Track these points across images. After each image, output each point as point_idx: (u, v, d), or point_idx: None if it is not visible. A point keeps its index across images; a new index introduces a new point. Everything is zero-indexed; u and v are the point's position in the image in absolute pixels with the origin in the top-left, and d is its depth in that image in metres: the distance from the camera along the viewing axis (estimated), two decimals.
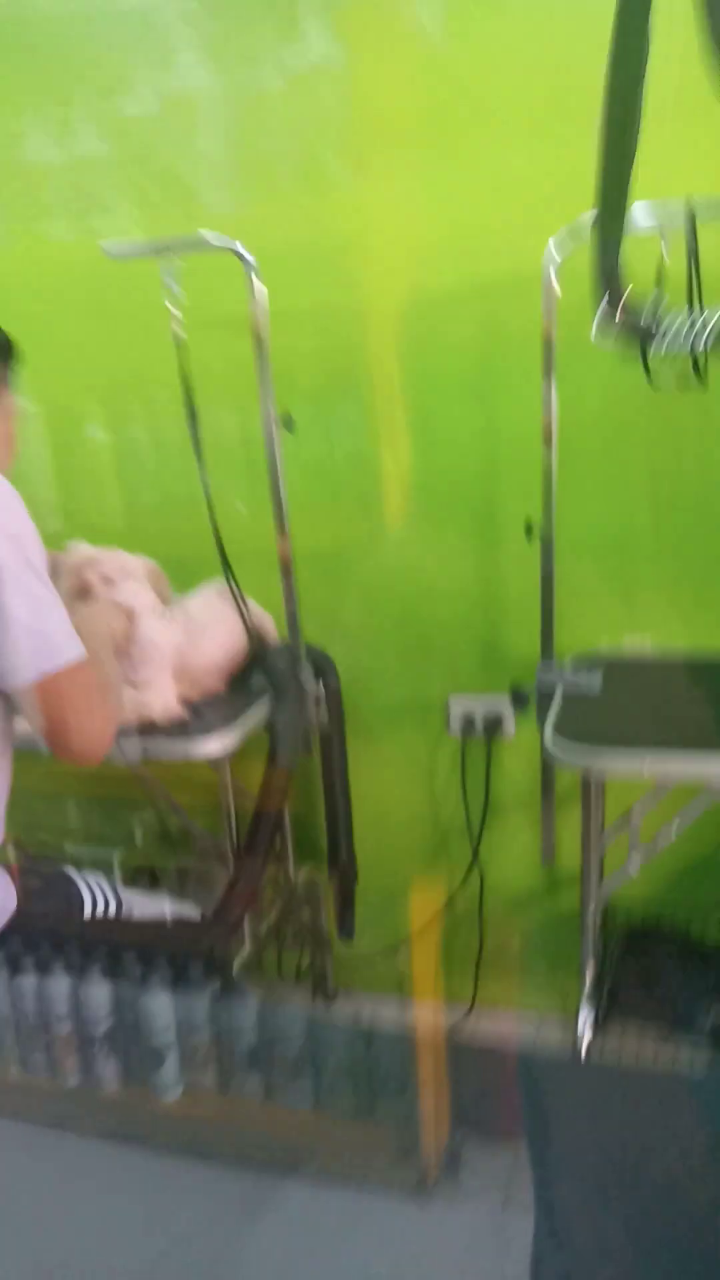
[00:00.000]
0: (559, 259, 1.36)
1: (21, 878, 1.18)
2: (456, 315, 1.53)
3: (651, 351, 0.35)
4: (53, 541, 1.57)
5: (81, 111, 1.62)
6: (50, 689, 1.08)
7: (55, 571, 1.53)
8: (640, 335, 0.35)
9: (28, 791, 2.15)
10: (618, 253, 0.37)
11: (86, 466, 1.83)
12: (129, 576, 1.55)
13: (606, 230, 0.36)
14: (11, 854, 2.10)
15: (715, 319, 0.33)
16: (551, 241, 1.36)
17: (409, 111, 1.11)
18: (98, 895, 1.28)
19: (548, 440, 1.45)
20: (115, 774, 1.74)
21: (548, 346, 1.41)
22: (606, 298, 0.37)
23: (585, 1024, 1.55)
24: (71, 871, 1.29)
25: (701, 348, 0.35)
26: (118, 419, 1.77)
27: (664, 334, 0.34)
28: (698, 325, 0.34)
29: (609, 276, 0.37)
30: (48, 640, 1.07)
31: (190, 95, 1.55)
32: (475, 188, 1.46)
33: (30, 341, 1.21)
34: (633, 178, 0.36)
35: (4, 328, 1.24)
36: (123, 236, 1.45)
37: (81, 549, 1.55)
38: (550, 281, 1.38)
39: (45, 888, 1.24)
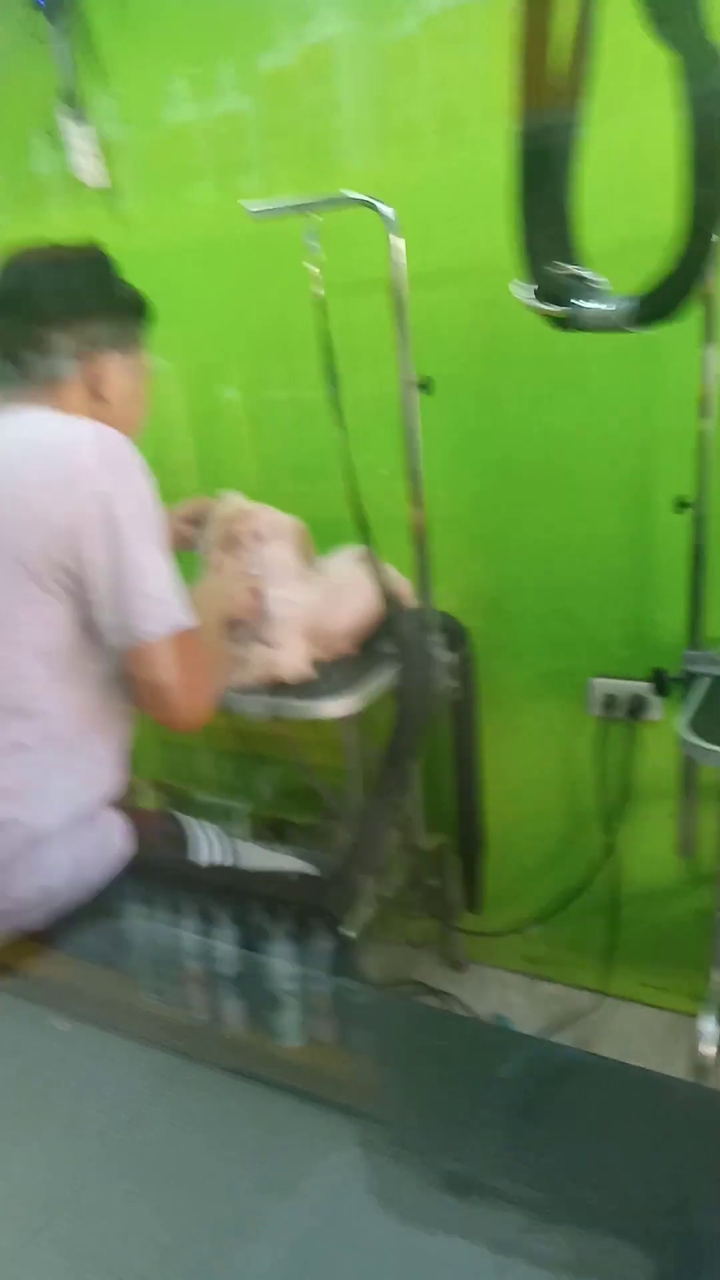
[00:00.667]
0: None
1: (139, 823, 1.24)
2: (613, 273, 1.42)
3: (572, 328, 0.31)
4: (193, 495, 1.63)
5: (220, 69, 1.62)
6: (150, 655, 1.11)
7: (205, 519, 1.58)
8: (557, 320, 0.31)
9: (163, 739, 2.28)
10: (537, 229, 0.32)
11: (226, 427, 1.87)
12: (279, 535, 1.58)
13: (528, 212, 0.31)
14: (153, 797, 2.24)
15: (619, 306, 0.28)
16: None
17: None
18: (214, 844, 1.33)
19: (705, 409, 1.33)
20: (250, 729, 1.79)
21: (708, 304, 1.28)
22: (530, 276, 0.33)
23: (708, 1034, 1.46)
24: (189, 819, 1.34)
25: (602, 329, 0.30)
26: (259, 380, 1.79)
27: (579, 316, 0.29)
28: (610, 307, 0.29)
29: (530, 253, 0.32)
30: (156, 605, 1.10)
31: (328, 48, 1.52)
32: (637, 136, 1.34)
33: (174, 301, 1.24)
34: (560, 149, 0.31)
35: (147, 290, 1.28)
36: (264, 196, 1.44)
37: (235, 500, 1.59)
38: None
39: (163, 835, 1.28)
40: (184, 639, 1.13)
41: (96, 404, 1.22)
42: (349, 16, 1.48)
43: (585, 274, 0.30)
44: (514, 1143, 0.66)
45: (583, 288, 0.30)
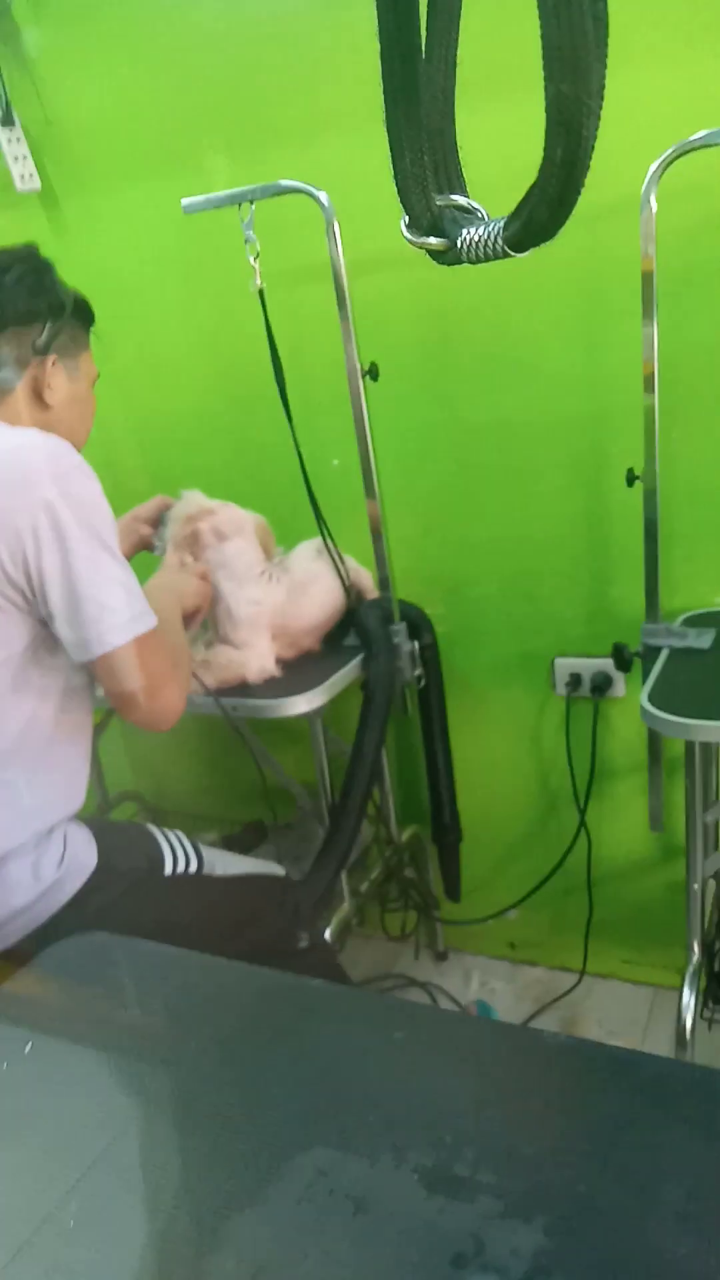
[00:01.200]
0: (658, 182, 1.24)
1: (102, 835, 1.22)
2: (555, 249, 1.43)
3: (451, 261, 0.30)
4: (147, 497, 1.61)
5: (154, 66, 1.61)
6: (117, 662, 1.09)
7: (167, 518, 1.57)
8: (435, 253, 0.30)
9: (132, 749, 2.26)
10: (408, 160, 0.31)
11: (177, 426, 1.85)
12: (240, 531, 1.57)
13: (394, 132, 0.30)
14: (123, 808, 2.21)
15: (494, 229, 0.27)
16: (653, 166, 1.24)
17: (494, 46, 1.02)
18: (179, 853, 1.30)
19: (649, 384, 1.34)
20: (218, 730, 1.78)
21: (647, 282, 1.29)
22: (405, 207, 0.32)
23: (688, 1007, 1.47)
24: (154, 828, 1.31)
25: (482, 258, 0.29)
26: (207, 376, 1.78)
27: (457, 246, 0.29)
28: (484, 236, 0.28)
29: (401, 188, 0.31)
30: (112, 614, 1.07)
31: (258, 37, 1.51)
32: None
33: (115, 302, 1.22)
34: (424, 72, 0.30)
35: (85, 291, 1.26)
36: (201, 191, 1.43)
37: (195, 498, 1.58)
38: (649, 210, 1.26)
39: (126, 845, 1.26)
40: (144, 642, 1.11)
41: (40, 410, 1.20)
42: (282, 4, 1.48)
43: (462, 202, 0.29)
44: (488, 1132, 0.66)
45: (460, 215, 0.29)
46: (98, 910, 1.16)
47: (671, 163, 1.23)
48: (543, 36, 0.27)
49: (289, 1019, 0.80)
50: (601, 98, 0.29)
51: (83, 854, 1.18)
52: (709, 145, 1.20)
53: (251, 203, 1.38)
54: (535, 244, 0.32)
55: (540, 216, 0.30)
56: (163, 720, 1.17)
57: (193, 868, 1.30)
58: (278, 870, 1.47)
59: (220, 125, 1.59)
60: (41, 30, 1.66)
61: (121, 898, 1.20)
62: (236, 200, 1.39)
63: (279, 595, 1.59)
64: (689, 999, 1.48)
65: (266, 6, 1.48)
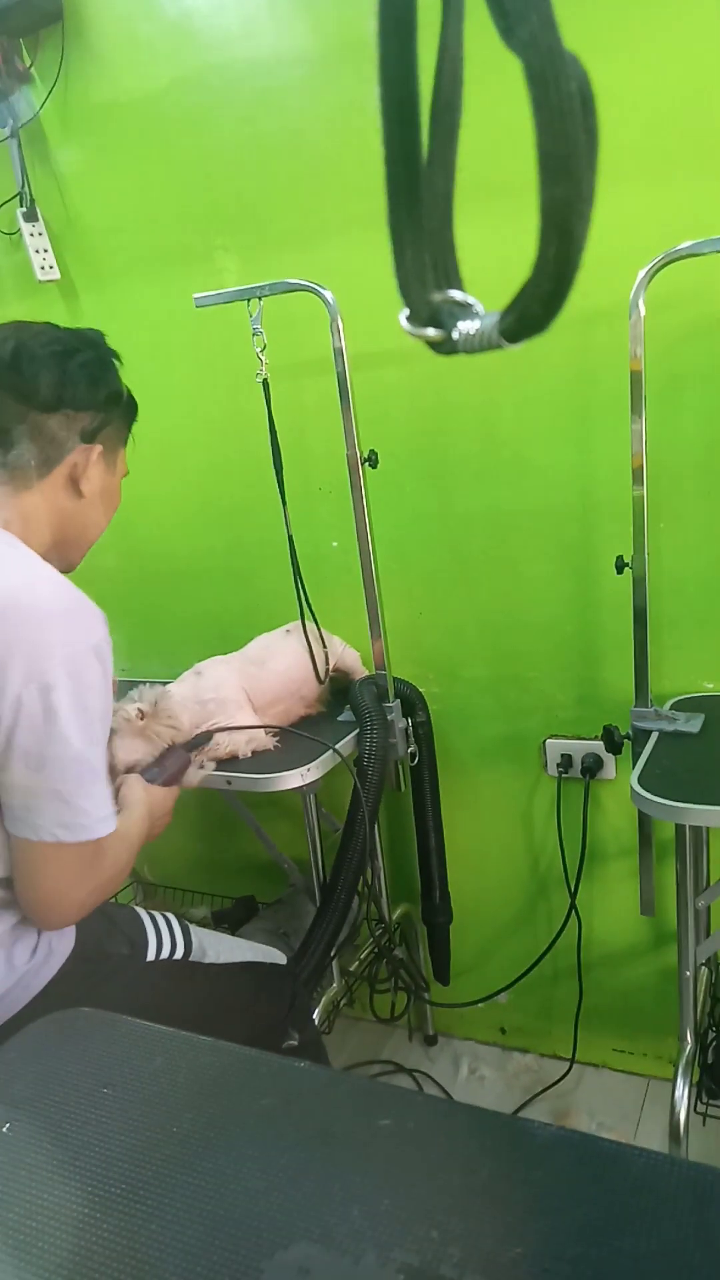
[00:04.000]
0: (646, 287, 1.31)
1: (82, 919, 1.19)
2: (546, 349, 1.50)
3: (448, 351, 0.33)
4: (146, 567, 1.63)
5: (170, 169, 1.70)
6: (40, 855, 1.01)
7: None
8: (433, 345, 0.33)
9: None
10: (409, 258, 0.34)
11: (182, 506, 1.90)
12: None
13: (396, 232, 0.34)
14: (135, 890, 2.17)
15: (489, 322, 0.30)
16: (641, 272, 1.31)
17: (492, 156, 1.10)
18: (164, 937, 1.27)
19: (638, 477, 1.39)
20: (211, 803, 1.78)
21: (635, 381, 1.35)
22: (404, 301, 0.35)
23: (681, 1100, 1.44)
24: (141, 911, 1.29)
25: (477, 349, 0.32)
26: (215, 461, 1.83)
27: (454, 338, 0.31)
28: (478, 330, 0.31)
29: (402, 284, 0.34)
30: (70, 814, 1.00)
31: (269, 142, 1.60)
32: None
33: (135, 386, 1.25)
34: (425, 177, 0.33)
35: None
36: (213, 286, 1.51)
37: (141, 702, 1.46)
38: (638, 314, 1.33)
39: (107, 929, 1.22)
40: (83, 850, 1.02)
41: (72, 498, 1.16)
42: (290, 112, 1.57)
43: (459, 296, 0.32)
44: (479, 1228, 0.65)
45: (457, 309, 0.32)
46: (74, 996, 1.10)
47: (659, 270, 1.30)
48: (538, 145, 0.30)
49: (274, 1103, 0.79)
50: (591, 202, 0.32)
51: (58, 940, 1.15)
52: (694, 254, 1.28)
53: (260, 299, 1.45)
54: (528, 336, 0.35)
55: (534, 311, 0.33)
56: (46, 924, 1.09)
57: (179, 953, 1.27)
58: (278, 958, 1.44)
59: (231, 225, 1.68)
60: (65, 134, 1.77)
61: (100, 982, 1.16)
62: (246, 296, 1.46)
63: (239, 671, 1.60)
64: (682, 1091, 1.46)
65: (276, 119, 1.58)
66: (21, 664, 0.96)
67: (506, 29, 0.29)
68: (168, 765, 1.39)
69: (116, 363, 1.20)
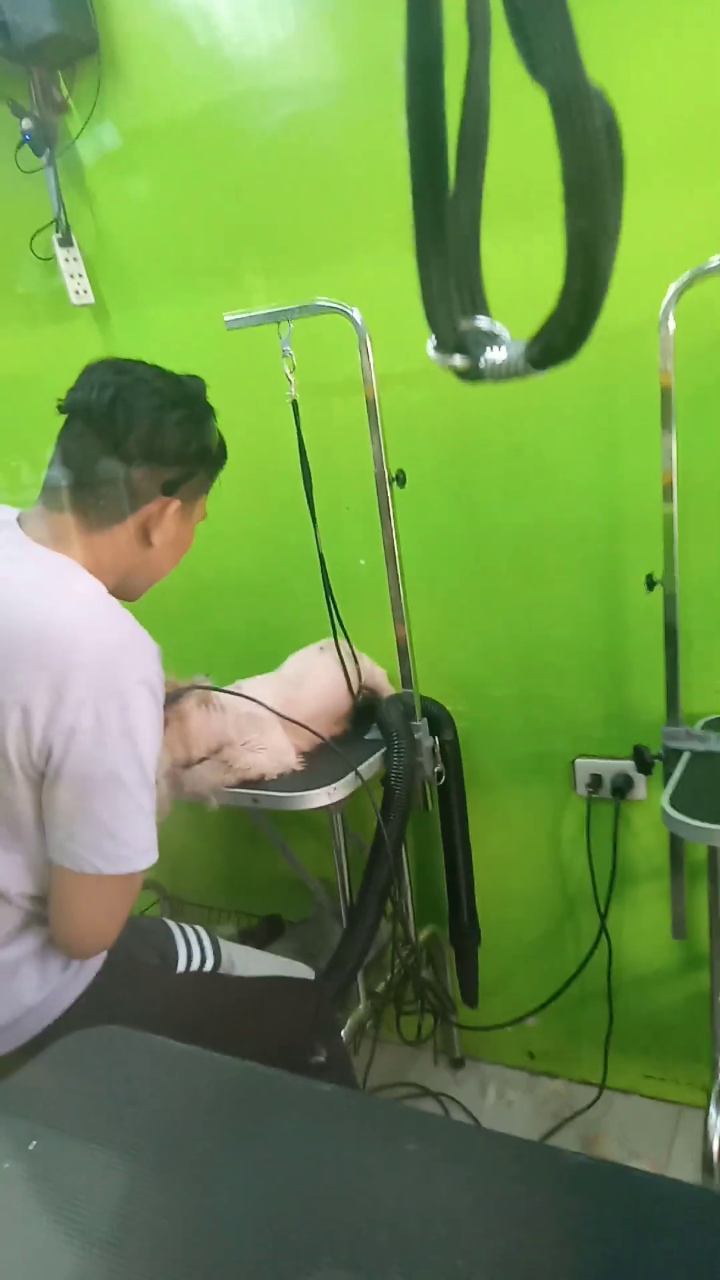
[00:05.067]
0: (675, 304, 1.31)
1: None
2: (574, 367, 1.49)
3: (474, 379, 0.33)
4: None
5: (201, 192, 1.73)
6: (79, 885, 1.01)
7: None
8: (460, 373, 0.33)
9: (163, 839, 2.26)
10: (436, 286, 0.34)
11: (214, 526, 1.92)
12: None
13: (423, 261, 0.34)
14: (153, 899, 2.19)
15: (516, 350, 0.30)
16: (672, 287, 1.31)
17: (523, 177, 1.10)
18: (194, 949, 1.27)
19: (668, 493, 1.38)
20: (238, 822, 1.78)
21: (665, 396, 1.35)
22: (431, 328, 0.35)
23: (715, 1129, 1.41)
24: (171, 923, 1.30)
25: (503, 377, 0.32)
26: (246, 481, 1.84)
27: (480, 366, 0.32)
28: (507, 358, 0.31)
29: (429, 312, 0.35)
30: (112, 845, 1.00)
31: (300, 160, 1.63)
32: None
33: None
34: (451, 208, 0.34)
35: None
36: (244, 306, 1.53)
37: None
38: (667, 328, 1.32)
39: (138, 940, 1.23)
40: (121, 882, 1.03)
41: (142, 547, 1.15)
42: (320, 136, 1.59)
43: (486, 325, 0.32)
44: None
45: (484, 337, 0.32)
46: (107, 1006, 1.13)
47: (689, 285, 1.30)
48: (564, 177, 0.30)
49: (302, 1125, 0.79)
50: (618, 232, 0.32)
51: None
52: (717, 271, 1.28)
53: (289, 320, 1.47)
54: (554, 365, 0.35)
55: (559, 341, 0.33)
56: (75, 953, 1.09)
57: (209, 965, 1.28)
58: (306, 973, 1.44)
59: (261, 247, 1.71)
60: (100, 161, 1.80)
61: (131, 994, 1.17)
62: (276, 319, 1.47)
63: (276, 690, 1.60)
64: (715, 1120, 1.43)
65: (306, 142, 1.60)
66: (76, 694, 0.97)
67: (532, 64, 0.29)
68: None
69: (212, 416, 1.19)
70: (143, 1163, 0.76)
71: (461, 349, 0.35)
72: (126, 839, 1.01)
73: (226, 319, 1.51)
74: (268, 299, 1.69)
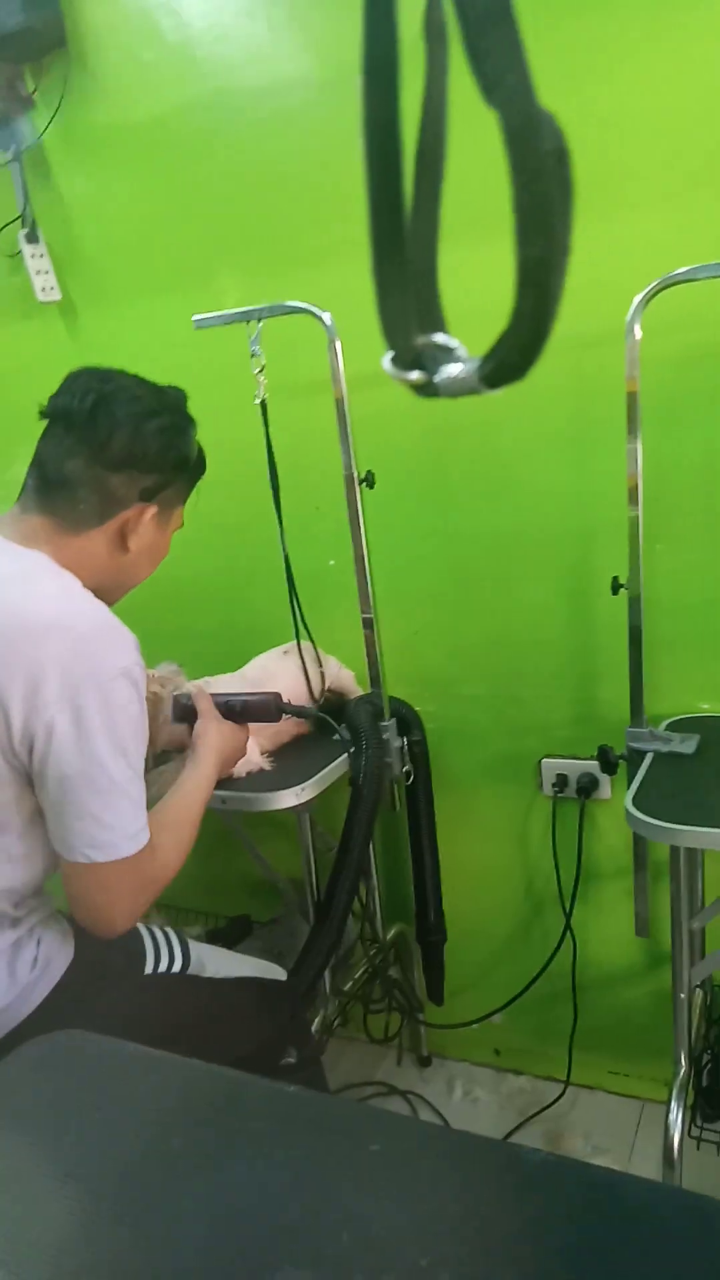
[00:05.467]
0: (641, 311, 1.33)
1: (81, 931, 1.19)
2: (544, 374, 1.51)
3: (431, 395, 0.34)
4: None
5: (172, 191, 1.72)
6: (81, 874, 1.04)
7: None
8: (416, 388, 0.34)
9: None
10: (392, 302, 0.35)
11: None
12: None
13: (380, 276, 0.34)
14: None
15: (470, 368, 0.31)
16: (637, 297, 1.33)
17: (482, 192, 1.12)
18: (162, 950, 1.27)
19: (633, 498, 1.40)
20: (205, 822, 1.77)
21: (631, 403, 1.37)
22: (389, 344, 0.36)
23: (675, 1124, 1.43)
24: (139, 925, 1.29)
25: (459, 394, 0.33)
26: (212, 482, 1.84)
27: (437, 381, 0.32)
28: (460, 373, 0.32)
29: (386, 327, 0.35)
30: (104, 832, 1.02)
31: (271, 170, 1.63)
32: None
33: None
34: (409, 224, 0.34)
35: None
36: (213, 307, 1.53)
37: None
38: (633, 337, 1.34)
39: (105, 941, 1.23)
40: (117, 867, 1.04)
41: (118, 553, 1.16)
42: (291, 136, 1.59)
43: (442, 340, 0.33)
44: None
45: (440, 353, 0.32)
46: (73, 1008, 1.13)
47: (655, 294, 1.32)
48: (514, 203, 0.31)
49: (264, 1127, 0.79)
50: (567, 255, 0.33)
51: (57, 952, 1.16)
52: (690, 280, 1.29)
53: (259, 320, 1.46)
54: (507, 383, 0.35)
55: (511, 360, 0.34)
56: (99, 932, 1.10)
57: (177, 965, 1.28)
58: (278, 974, 1.44)
59: (231, 247, 1.70)
60: (68, 157, 1.79)
61: (98, 996, 1.17)
62: (245, 318, 1.47)
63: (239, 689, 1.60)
64: (676, 1115, 1.45)
65: (277, 143, 1.60)
66: (55, 686, 0.99)
67: (485, 88, 0.29)
68: (251, 704, 1.42)
69: (192, 426, 1.20)
70: (105, 1168, 0.76)
71: (418, 364, 0.36)
72: (111, 824, 1.03)
73: (195, 319, 1.51)
74: (240, 300, 1.69)
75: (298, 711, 1.53)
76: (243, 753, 1.43)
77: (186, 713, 1.39)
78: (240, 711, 1.41)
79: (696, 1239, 0.64)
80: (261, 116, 1.60)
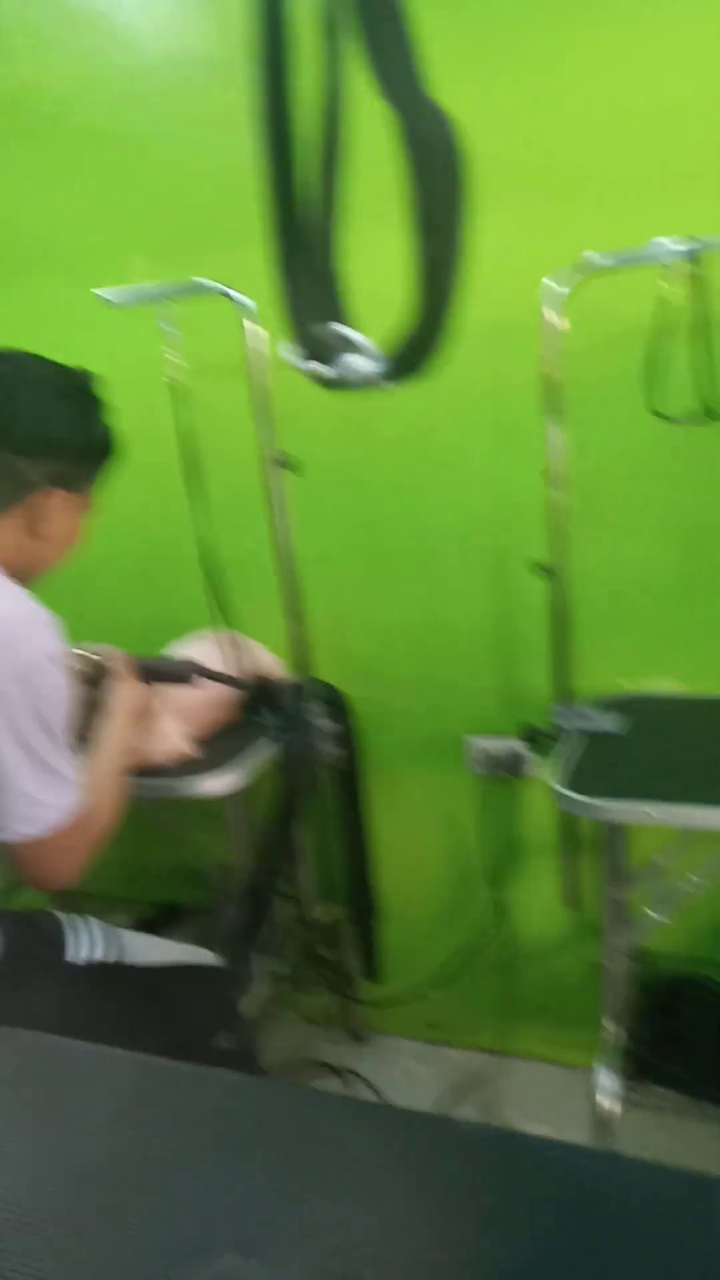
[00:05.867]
0: (557, 298, 1.34)
1: (6, 923, 1.18)
2: (465, 358, 1.51)
3: (337, 388, 0.34)
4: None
5: (80, 165, 1.67)
6: (30, 849, 1.09)
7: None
8: (317, 379, 0.34)
9: None
10: (293, 292, 0.35)
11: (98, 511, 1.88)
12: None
13: (280, 267, 0.34)
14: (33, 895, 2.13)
15: (370, 361, 0.31)
16: (548, 281, 1.34)
17: (387, 177, 1.11)
18: (84, 938, 1.26)
19: (553, 481, 1.42)
20: (132, 810, 1.75)
21: (549, 388, 1.38)
22: (293, 337, 0.35)
23: (605, 1088, 1.48)
24: (60, 914, 1.27)
25: (359, 386, 0.33)
26: (127, 465, 1.80)
27: (340, 375, 0.32)
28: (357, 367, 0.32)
29: (287, 318, 0.35)
30: (33, 807, 1.06)
31: (182, 141, 1.59)
32: (480, 235, 1.44)
33: None
34: (308, 213, 0.34)
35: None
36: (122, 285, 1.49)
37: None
38: (548, 321, 1.35)
39: (25, 931, 1.21)
40: (64, 831, 1.09)
41: (28, 538, 1.14)
42: (201, 113, 1.56)
43: (348, 333, 0.32)
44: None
45: (342, 344, 0.32)
46: None
47: (568, 281, 1.33)
48: (410, 201, 0.31)
49: (195, 1115, 0.79)
50: (463, 254, 0.33)
51: None
52: (607, 268, 1.31)
53: (170, 300, 1.43)
54: (406, 377, 0.35)
55: (409, 355, 0.34)
56: (56, 887, 1.17)
57: (99, 952, 1.26)
58: (209, 959, 1.43)
59: (141, 225, 1.66)
60: None
61: (19, 986, 1.15)
62: (156, 297, 1.44)
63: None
64: (606, 1080, 1.50)
65: (186, 119, 1.57)
66: None
67: (379, 83, 0.29)
68: (166, 668, 1.48)
69: (99, 408, 1.18)
70: (33, 1168, 0.74)
71: (319, 356, 0.35)
72: (47, 800, 1.07)
73: (104, 295, 1.47)
74: (153, 279, 1.64)
75: (215, 676, 1.53)
76: (151, 714, 1.46)
77: (99, 673, 1.41)
78: (155, 673, 1.46)
79: (617, 1197, 0.66)
80: (169, 90, 1.56)
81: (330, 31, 0.31)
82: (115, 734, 1.31)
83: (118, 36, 1.56)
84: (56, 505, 1.13)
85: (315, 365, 0.35)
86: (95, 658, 1.43)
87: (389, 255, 1.06)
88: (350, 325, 0.35)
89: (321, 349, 0.35)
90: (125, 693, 1.37)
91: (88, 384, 1.17)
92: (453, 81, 1.28)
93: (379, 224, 1.21)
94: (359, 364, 0.34)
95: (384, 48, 0.27)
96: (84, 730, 1.33)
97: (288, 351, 0.35)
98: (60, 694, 1.07)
